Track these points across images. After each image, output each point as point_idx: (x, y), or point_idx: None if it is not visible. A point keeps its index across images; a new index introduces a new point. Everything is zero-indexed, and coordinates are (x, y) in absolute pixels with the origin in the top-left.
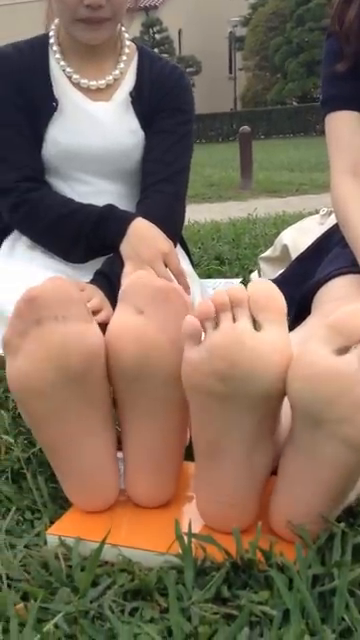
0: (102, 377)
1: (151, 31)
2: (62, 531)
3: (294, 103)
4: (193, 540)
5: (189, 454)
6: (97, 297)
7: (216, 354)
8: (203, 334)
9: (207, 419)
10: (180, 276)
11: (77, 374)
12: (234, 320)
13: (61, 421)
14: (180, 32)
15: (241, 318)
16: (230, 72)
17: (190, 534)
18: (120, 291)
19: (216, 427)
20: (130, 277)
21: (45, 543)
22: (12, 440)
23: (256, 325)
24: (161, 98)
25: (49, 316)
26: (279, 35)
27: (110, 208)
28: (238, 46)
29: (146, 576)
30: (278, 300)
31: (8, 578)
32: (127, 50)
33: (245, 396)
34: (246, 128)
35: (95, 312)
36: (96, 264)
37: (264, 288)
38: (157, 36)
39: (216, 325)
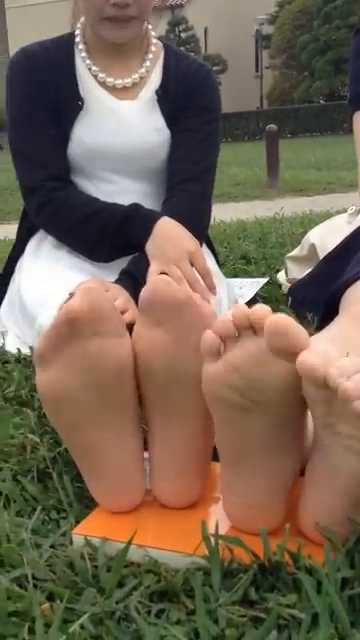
0: (131, 384)
1: (177, 30)
2: (88, 531)
3: (321, 101)
4: (220, 541)
5: (216, 454)
6: (122, 297)
7: (236, 370)
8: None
9: (229, 428)
10: (206, 275)
11: (108, 385)
12: (255, 335)
13: (90, 427)
14: (206, 30)
15: (262, 335)
16: (256, 70)
17: (217, 535)
18: (139, 299)
19: (238, 436)
20: (145, 287)
21: (71, 543)
22: (38, 439)
23: None
24: (187, 96)
25: (86, 333)
26: (306, 33)
27: (135, 207)
28: (264, 44)
29: (173, 577)
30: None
31: (34, 578)
32: (153, 48)
33: (266, 407)
34: (273, 126)
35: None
36: (122, 263)
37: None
38: (183, 35)
39: (236, 340)
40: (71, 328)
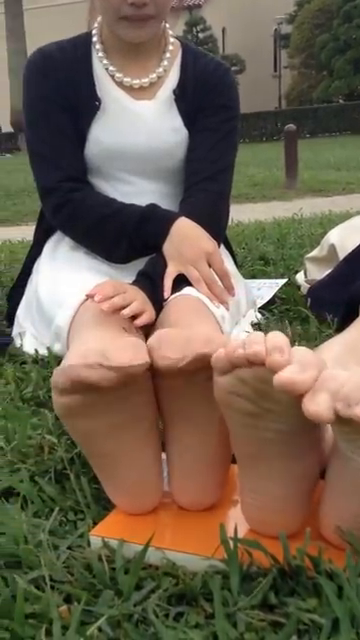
0: (148, 386)
1: (194, 30)
2: (105, 533)
3: (340, 101)
4: (239, 545)
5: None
6: (139, 299)
7: (245, 384)
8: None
9: (243, 434)
10: (224, 276)
11: (125, 395)
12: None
13: (108, 435)
14: (224, 30)
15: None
16: (275, 70)
17: (236, 538)
18: (153, 337)
19: (253, 441)
20: (156, 335)
21: (88, 544)
22: (55, 440)
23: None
24: (205, 95)
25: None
26: (325, 32)
27: (153, 208)
28: (283, 44)
29: (191, 580)
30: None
31: (51, 579)
32: (171, 47)
33: (279, 415)
34: (291, 126)
35: (137, 315)
36: (139, 265)
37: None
38: (200, 35)
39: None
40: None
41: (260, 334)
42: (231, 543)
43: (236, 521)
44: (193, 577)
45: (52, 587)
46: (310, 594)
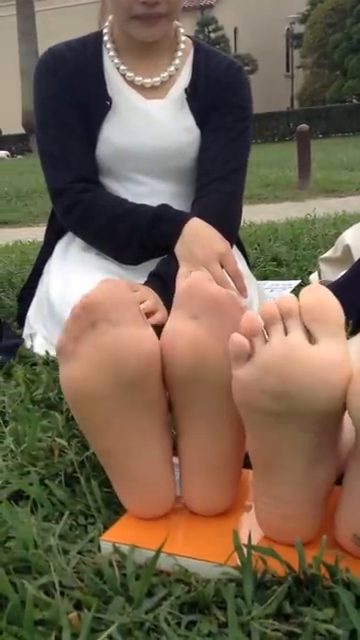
0: (158, 382)
1: (206, 30)
2: (116, 538)
3: (354, 100)
4: (253, 552)
5: (248, 460)
6: (151, 299)
7: (267, 371)
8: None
9: (261, 436)
10: (237, 278)
11: (133, 379)
12: (286, 333)
13: (116, 428)
14: (236, 30)
15: (293, 331)
16: (287, 70)
17: (250, 545)
18: (175, 295)
19: (271, 444)
20: (185, 281)
21: (99, 550)
22: (65, 443)
23: (310, 338)
24: (217, 94)
25: (103, 319)
26: (338, 31)
27: (164, 208)
28: (295, 43)
29: (204, 588)
30: (334, 309)
31: (61, 585)
32: (183, 46)
33: (301, 414)
34: (304, 126)
35: (149, 314)
36: (151, 266)
37: (318, 296)
38: (212, 35)
39: (266, 339)
40: (88, 316)
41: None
42: (245, 550)
43: (250, 527)
44: (206, 584)
45: (62, 593)
46: (326, 604)
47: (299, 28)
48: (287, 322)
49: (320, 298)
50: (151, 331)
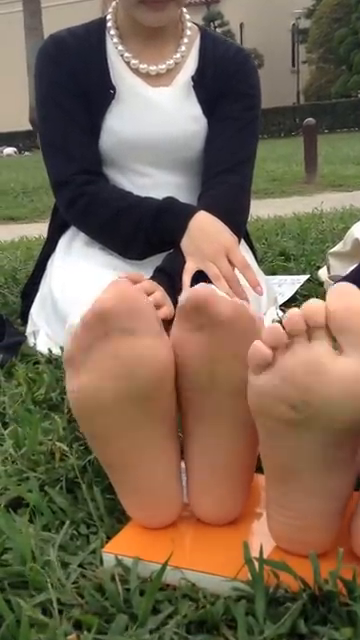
0: (171, 391)
1: (212, 25)
2: (119, 549)
3: (359, 96)
4: (265, 566)
5: (259, 464)
6: (158, 292)
7: (287, 380)
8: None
9: (276, 444)
10: (246, 270)
11: (147, 390)
12: (309, 340)
13: (125, 438)
14: (242, 26)
15: (318, 339)
16: (293, 65)
17: (261, 559)
18: (179, 306)
19: (286, 453)
20: (186, 296)
21: (101, 562)
22: (67, 447)
23: (336, 347)
24: (225, 82)
25: (117, 329)
26: (344, 26)
27: (170, 201)
28: (301, 38)
29: (212, 605)
30: None
31: (60, 603)
32: (189, 32)
33: (321, 425)
34: (311, 120)
35: (156, 307)
36: (156, 261)
37: (346, 303)
38: (218, 30)
39: (288, 347)
40: (101, 324)
41: (294, 309)
42: (256, 564)
43: (261, 537)
44: (214, 601)
45: (60, 611)
46: (344, 622)
47: (305, 23)
48: (312, 331)
49: (349, 305)
50: (166, 338)
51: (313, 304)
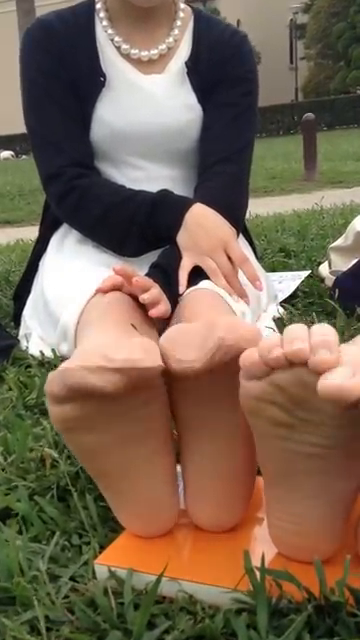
0: (162, 397)
1: None
2: (112, 560)
3: (358, 92)
4: (267, 575)
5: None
6: (154, 289)
7: (281, 390)
8: None
9: (273, 447)
10: (245, 264)
11: (134, 405)
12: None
13: (116, 451)
14: (239, 22)
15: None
16: (291, 62)
17: (263, 568)
18: (164, 337)
19: (285, 456)
20: (173, 329)
21: (94, 575)
22: (57, 455)
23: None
24: (221, 67)
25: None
26: (342, 21)
27: (165, 194)
28: (299, 34)
29: (211, 619)
30: None
31: (48, 620)
32: (182, 15)
33: (318, 426)
34: (310, 115)
35: (153, 305)
36: (152, 258)
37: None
38: None
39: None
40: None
41: (302, 326)
42: (257, 573)
43: (263, 545)
44: (214, 614)
45: (49, 629)
46: (352, 634)
47: (302, 18)
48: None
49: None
50: (156, 351)
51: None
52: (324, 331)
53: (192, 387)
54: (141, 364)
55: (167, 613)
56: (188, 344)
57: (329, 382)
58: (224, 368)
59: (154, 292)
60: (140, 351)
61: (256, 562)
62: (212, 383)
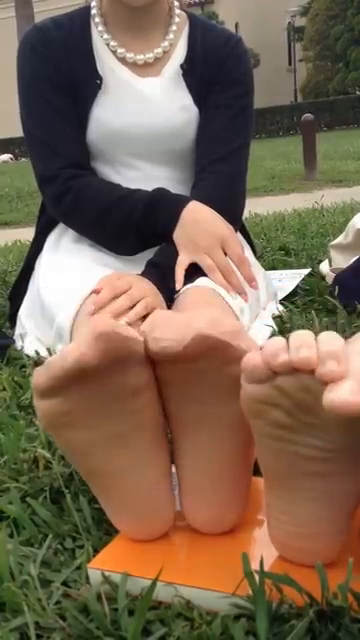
0: (151, 390)
1: None
2: (106, 564)
3: (357, 92)
4: (266, 579)
5: (258, 467)
6: (147, 295)
7: (284, 394)
8: None
9: (275, 448)
10: (242, 264)
11: (122, 408)
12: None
13: (106, 450)
14: (237, 25)
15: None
16: (289, 64)
17: (262, 572)
18: (146, 321)
19: (287, 457)
20: (156, 314)
21: (87, 580)
22: (50, 455)
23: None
24: (216, 69)
25: (99, 378)
26: (340, 23)
27: (161, 192)
28: (297, 36)
29: (208, 625)
30: None
31: (39, 627)
32: (177, 19)
33: (322, 429)
34: (309, 115)
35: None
36: (148, 256)
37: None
38: None
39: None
40: (81, 374)
41: (309, 333)
42: (257, 577)
43: (262, 548)
44: (211, 620)
45: (39, 636)
46: None
47: (300, 21)
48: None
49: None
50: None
51: (330, 338)
52: (332, 340)
53: (178, 381)
54: (119, 331)
55: (163, 619)
56: (167, 328)
57: (335, 396)
58: (207, 362)
59: (140, 307)
60: (121, 326)
61: (255, 565)
62: (198, 378)
